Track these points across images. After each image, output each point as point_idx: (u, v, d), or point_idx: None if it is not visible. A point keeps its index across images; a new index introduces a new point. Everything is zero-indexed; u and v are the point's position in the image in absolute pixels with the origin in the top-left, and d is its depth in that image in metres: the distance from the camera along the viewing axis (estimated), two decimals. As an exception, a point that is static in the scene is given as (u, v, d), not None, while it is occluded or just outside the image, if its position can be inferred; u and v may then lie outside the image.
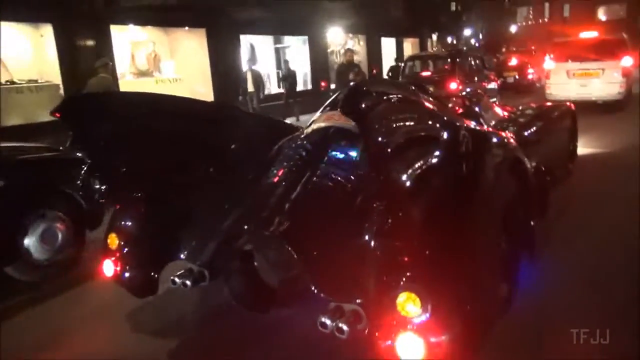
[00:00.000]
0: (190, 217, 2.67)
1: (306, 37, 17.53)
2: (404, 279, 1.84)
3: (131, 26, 12.54)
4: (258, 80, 11.20)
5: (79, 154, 4.11)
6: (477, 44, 40.09)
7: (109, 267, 2.63)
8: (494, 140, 2.82)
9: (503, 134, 3.29)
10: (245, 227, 2.44)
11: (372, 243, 2.07)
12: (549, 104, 6.23)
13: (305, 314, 2.23)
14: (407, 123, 2.43)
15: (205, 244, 2.52)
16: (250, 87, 11.12)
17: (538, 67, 17.28)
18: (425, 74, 12.28)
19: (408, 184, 2.09)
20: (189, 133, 2.86)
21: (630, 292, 2.94)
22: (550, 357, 2.46)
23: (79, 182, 4.02)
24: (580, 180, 5.36)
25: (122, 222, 2.73)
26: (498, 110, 4.91)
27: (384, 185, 2.07)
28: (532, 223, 2.90)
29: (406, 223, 2.01)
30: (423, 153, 2.29)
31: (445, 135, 2.46)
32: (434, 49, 26.25)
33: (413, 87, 3.51)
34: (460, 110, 4.38)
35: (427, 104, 2.97)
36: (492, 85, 12.61)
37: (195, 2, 12.43)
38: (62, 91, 10.54)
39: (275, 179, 2.61)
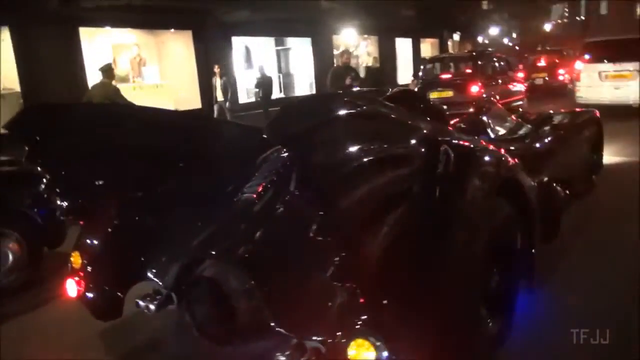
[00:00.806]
0: (161, 235, 2.51)
1: (309, 39, 16.26)
2: (359, 323, 1.73)
3: (110, 28, 11.57)
4: (226, 88, 9.99)
5: (38, 169, 3.70)
6: (510, 44, 38.39)
7: (72, 287, 2.49)
8: (486, 158, 2.50)
9: (500, 150, 2.90)
10: (213, 252, 2.33)
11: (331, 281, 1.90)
12: (574, 110, 5.74)
13: (269, 349, 2.07)
14: (362, 144, 2.16)
15: (172, 264, 2.38)
16: (220, 96, 9.94)
17: (570, 68, 16.16)
18: (445, 76, 11.66)
19: (355, 215, 1.91)
20: (160, 145, 2.70)
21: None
22: (550, 357, 2.44)
23: (36, 198, 3.78)
24: (604, 194, 4.79)
25: (86, 240, 2.60)
26: (510, 118, 4.58)
27: (327, 218, 1.88)
28: (533, 250, 2.69)
29: (357, 259, 1.84)
30: (380, 177, 2.08)
31: (417, 154, 2.28)
32: (456, 50, 24.65)
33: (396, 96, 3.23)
34: (463, 122, 4.18)
35: (402, 117, 2.70)
36: (519, 88, 11.98)
37: (176, 2, 11.31)
38: (21, 99, 9.63)
39: (253, 196, 2.47)
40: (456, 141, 2.68)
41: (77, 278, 2.50)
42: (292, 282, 2.04)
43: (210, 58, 12.63)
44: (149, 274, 2.44)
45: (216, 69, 10.18)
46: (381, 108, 2.78)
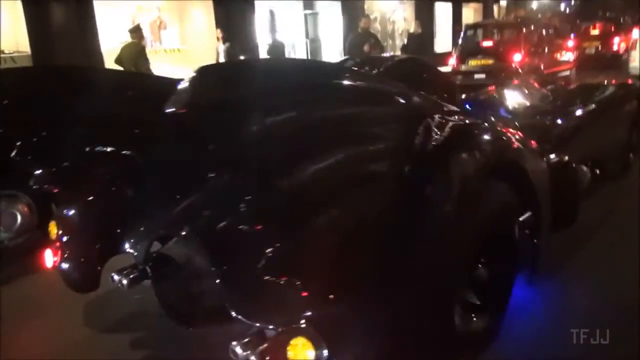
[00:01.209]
0: (139, 207, 2.43)
1: (339, 3, 15.39)
2: (301, 320, 1.57)
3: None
4: (230, 54, 9.39)
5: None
6: (567, 11, 35.79)
7: (49, 258, 2.48)
8: (478, 137, 2.30)
9: (503, 129, 2.72)
10: (183, 232, 2.16)
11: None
12: (618, 82, 5.34)
13: (232, 336, 1.84)
14: (302, 115, 2.13)
15: (146, 238, 2.28)
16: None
17: (626, 37, 15.95)
18: (487, 43, 11.21)
19: (296, 198, 1.84)
20: (141, 113, 2.60)
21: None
22: (550, 357, 2.38)
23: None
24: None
25: (61, 209, 2.54)
26: (539, 92, 4.43)
27: (259, 201, 1.84)
28: (535, 240, 2.54)
29: (299, 247, 1.71)
30: (335, 151, 1.98)
31: (386, 128, 2.20)
32: (502, 16, 23.01)
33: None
34: (479, 96, 4.14)
35: (373, 87, 2.62)
36: (567, 57, 11.63)
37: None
38: (31, 62, 9.42)
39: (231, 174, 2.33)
40: (443, 117, 2.45)
41: (54, 248, 2.47)
42: (253, 269, 1.89)
43: (232, 23, 12.07)
44: (125, 247, 2.38)
45: (218, 34, 9.53)
46: (341, 77, 2.61)
